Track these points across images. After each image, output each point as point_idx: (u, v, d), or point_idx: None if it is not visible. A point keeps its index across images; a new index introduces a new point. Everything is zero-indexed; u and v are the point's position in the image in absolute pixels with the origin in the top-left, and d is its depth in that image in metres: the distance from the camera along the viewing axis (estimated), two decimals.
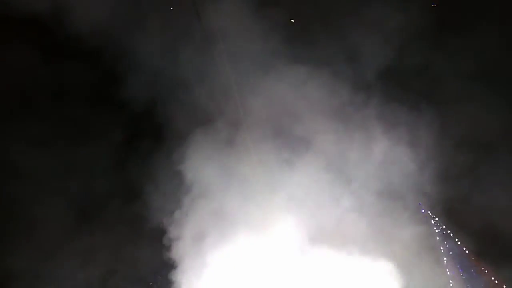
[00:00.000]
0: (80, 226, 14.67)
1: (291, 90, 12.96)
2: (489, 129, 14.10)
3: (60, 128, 13.66)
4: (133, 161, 14.30)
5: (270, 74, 12.93)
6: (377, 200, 12.97)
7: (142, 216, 14.37)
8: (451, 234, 14.47)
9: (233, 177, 12.91)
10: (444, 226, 14.53)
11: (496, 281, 14.02)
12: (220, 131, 13.09)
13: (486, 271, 14.13)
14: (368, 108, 13.40)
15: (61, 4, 12.09)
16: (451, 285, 14.16)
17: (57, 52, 12.93)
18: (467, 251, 14.29)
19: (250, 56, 12.90)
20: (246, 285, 12.81)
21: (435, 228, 14.54)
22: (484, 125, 14.08)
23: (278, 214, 12.53)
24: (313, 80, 12.99)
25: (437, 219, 14.55)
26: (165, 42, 12.92)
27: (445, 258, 14.34)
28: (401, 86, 13.90)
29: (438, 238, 14.51)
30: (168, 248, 13.86)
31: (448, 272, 14.23)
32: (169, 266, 14.01)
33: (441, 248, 14.44)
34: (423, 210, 14.38)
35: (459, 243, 14.36)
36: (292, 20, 13.61)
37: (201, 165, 13.12)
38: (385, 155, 13.22)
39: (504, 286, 13.96)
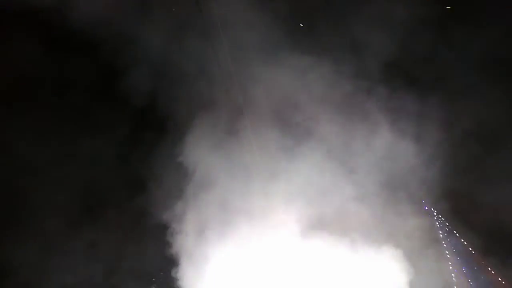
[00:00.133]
0: (83, 220, 14.65)
1: (293, 79, 12.86)
2: (497, 123, 13.97)
3: (62, 121, 13.71)
4: (134, 153, 14.30)
5: (272, 64, 12.88)
6: (379, 190, 12.82)
7: (144, 211, 14.32)
8: (455, 232, 14.39)
9: (236, 166, 12.87)
10: (448, 224, 14.47)
11: (500, 279, 13.91)
12: (222, 121, 13.04)
13: (489, 268, 14.00)
14: (372, 98, 13.31)
15: None
16: (453, 279, 14.04)
17: (60, 44, 12.97)
18: (471, 249, 14.21)
19: (252, 46, 12.86)
20: (249, 277, 12.72)
21: (437, 223, 14.46)
22: (491, 119, 13.94)
23: (280, 203, 12.39)
24: (315, 69, 12.92)
25: (440, 216, 14.48)
26: (167, 33, 12.92)
27: (447, 252, 14.26)
28: (407, 77, 13.75)
29: (440, 233, 14.47)
30: (171, 242, 13.79)
31: (451, 267, 14.13)
32: (172, 260, 13.93)
33: (444, 243, 14.39)
34: (426, 208, 14.29)
35: (462, 240, 14.28)
36: (301, 25, 13.58)
37: (202, 154, 13.09)
38: (388, 146, 13.11)
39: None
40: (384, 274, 12.05)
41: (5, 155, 13.36)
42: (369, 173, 12.83)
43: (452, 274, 14.06)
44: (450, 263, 14.14)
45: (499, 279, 13.81)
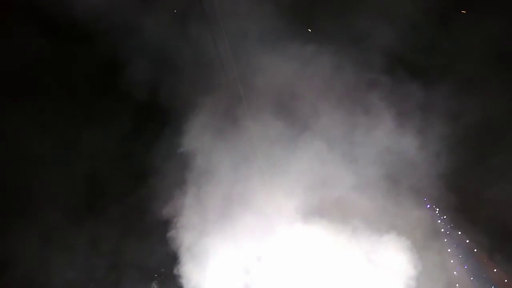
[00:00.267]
0: (84, 215, 14.53)
1: (295, 69, 12.78)
2: (504, 116, 13.68)
3: (60, 113, 13.65)
4: (135, 145, 14.20)
5: (273, 52, 12.85)
6: (381, 181, 12.66)
7: (146, 205, 14.15)
8: (458, 228, 14.19)
9: (236, 156, 12.77)
10: (449, 220, 14.25)
11: (504, 276, 13.69)
12: (222, 110, 12.91)
13: (491, 266, 13.80)
14: (375, 88, 13.15)
15: None
16: (455, 273, 13.88)
17: (60, 34, 12.95)
18: (471, 244, 14.04)
19: (253, 35, 12.80)
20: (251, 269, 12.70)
21: (439, 221, 14.25)
22: (498, 112, 13.68)
23: (281, 192, 12.26)
24: (318, 59, 12.86)
25: (442, 212, 14.25)
26: (166, 22, 12.82)
27: (449, 250, 14.05)
28: (411, 67, 13.59)
29: (442, 229, 14.26)
30: (173, 237, 13.59)
31: (452, 260, 13.97)
32: (174, 256, 13.73)
33: (445, 239, 14.17)
34: (428, 206, 14.16)
35: (464, 236, 14.09)
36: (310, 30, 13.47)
37: (203, 145, 13.03)
38: (391, 137, 12.96)
39: None
40: (388, 263, 11.92)
41: (6, 147, 13.31)
42: (371, 163, 12.71)
43: (454, 272, 13.91)
44: (452, 261, 13.98)
45: (503, 277, 13.60)
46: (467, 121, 13.48)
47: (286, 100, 12.95)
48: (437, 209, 14.32)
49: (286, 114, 12.86)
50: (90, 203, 14.63)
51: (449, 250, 14.03)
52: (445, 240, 14.15)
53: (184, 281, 13.49)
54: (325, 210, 12.17)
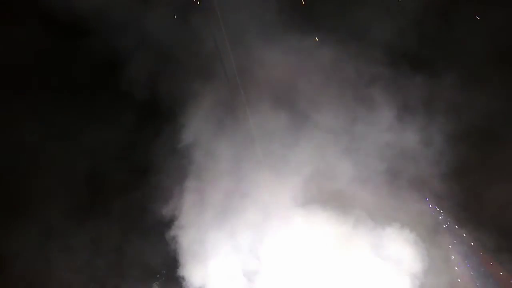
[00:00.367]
0: (85, 214, 14.41)
1: (295, 60, 12.78)
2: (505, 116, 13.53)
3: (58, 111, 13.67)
4: (135, 140, 14.11)
5: (274, 43, 12.77)
6: (382, 174, 12.60)
7: (146, 203, 14.00)
8: (459, 227, 13.97)
9: (236, 149, 12.71)
10: (451, 218, 14.01)
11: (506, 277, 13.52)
12: (221, 101, 12.90)
13: (491, 264, 13.64)
14: (376, 81, 13.00)
15: None
16: (456, 268, 13.68)
17: (57, 29, 13.04)
18: (476, 246, 13.79)
19: (251, 25, 12.76)
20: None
21: (440, 216, 14.01)
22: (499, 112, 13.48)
23: (280, 182, 12.17)
24: (319, 49, 12.76)
25: (443, 211, 14.04)
26: (163, 14, 12.87)
27: (449, 247, 13.85)
28: (415, 60, 13.44)
29: (444, 226, 14.04)
30: (174, 236, 13.55)
31: (453, 257, 13.78)
32: (174, 256, 13.69)
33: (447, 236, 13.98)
34: (430, 206, 13.94)
35: (464, 235, 13.86)
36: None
37: (201, 139, 13.00)
38: (393, 130, 12.88)
39: None
40: (391, 255, 11.82)
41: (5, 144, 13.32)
42: (372, 156, 12.63)
43: (456, 268, 13.72)
44: (453, 257, 13.81)
45: (506, 277, 13.43)
46: (471, 116, 13.33)
47: (287, 92, 12.88)
48: (437, 207, 14.10)
49: (287, 106, 12.77)
50: (91, 202, 14.51)
51: (450, 246, 13.85)
52: (446, 236, 13.97)
53: (185, 281, 13.40)
54: (326, 202, 12.02)
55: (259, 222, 12.40)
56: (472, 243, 13.68)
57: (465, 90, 13.21)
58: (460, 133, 13.19)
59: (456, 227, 13.88)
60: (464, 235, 13.77)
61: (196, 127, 13.06)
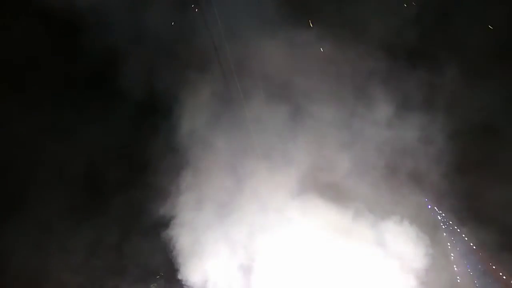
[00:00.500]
0: (85, 213, 14.37)
1: (294, 51, 12.68)
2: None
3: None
4: (132, 137, 13.99)
5: (273, 34, 12.63)
6: (380, 168, 12.59)
7: (145, 204, 13.85)
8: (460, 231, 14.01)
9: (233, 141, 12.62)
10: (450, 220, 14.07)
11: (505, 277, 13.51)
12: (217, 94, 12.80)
13: (491, 263, 13.66)
14: (374, 73, 13.01)
15: None
16: (454, 265, 13.71)
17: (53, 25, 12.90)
18: (471, 243, 13.84)
19: (247, 17, 12.68)
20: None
21: (439, 217, 14.06)
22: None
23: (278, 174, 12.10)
24: (318, 41, 12.65)
25: (442, 212, 14.09)
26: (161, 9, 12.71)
27: (448, 244, 13.92)
28: (417, 54, 13.37)
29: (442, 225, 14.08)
30: (172, 237, 13.38)
31: (452, 254, 13.81)
32: (174, 257, 13.50)
33: (445, 233, 14.06)
34: (429, 206, 13.95)
35: (463, 235, 13.90)
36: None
37: (198, 134, 12.87)
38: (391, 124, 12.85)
39: None
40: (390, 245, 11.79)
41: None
42: (370, 150, 12.60)
43: (455, 267, 13.76)
44: (452, 253, 13.89)
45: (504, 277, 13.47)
46: (472, 113, 13.33)
47: (285, 86, 12.79)
48: (437, 206, 14.12)
49: (285, 100, 12.69)
50: (89, 202, 14.39)
51: (448, 244, 13.91)
52: (445, 234, 14.05)
53: (183, 281, 13.28)
54: (325, 195, 11.96)
55: (257, 216, 12.33)
56: (471, 243, 13.69)
57: (466, 86, 13.14)
58: (460, 129, 13.22)
59: (455, 227, 13.90)
60: (463, 235, 13.79)
61: (193, 121, 12.95)
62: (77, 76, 13.54)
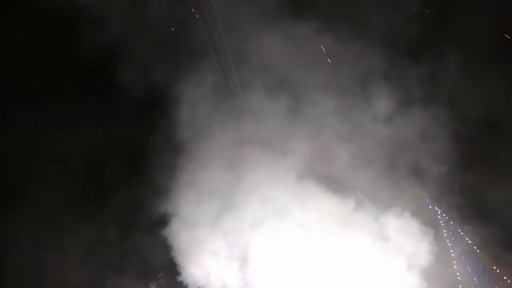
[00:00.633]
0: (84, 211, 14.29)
1: (294, 44, 12.62)
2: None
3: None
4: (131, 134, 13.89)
5: (273, 25, 12.59)
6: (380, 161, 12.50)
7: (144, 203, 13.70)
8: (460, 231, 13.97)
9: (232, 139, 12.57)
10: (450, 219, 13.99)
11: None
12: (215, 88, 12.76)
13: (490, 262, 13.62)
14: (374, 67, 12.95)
15: None
16: (454, 263, 13.72)
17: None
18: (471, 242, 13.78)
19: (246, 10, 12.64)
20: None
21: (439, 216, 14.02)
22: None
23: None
24: (318, 33, 12.60)
25: (443, 212, 14.03)
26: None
27: (448, 242, 13.87)
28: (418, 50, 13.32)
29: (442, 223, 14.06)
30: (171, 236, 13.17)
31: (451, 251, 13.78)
32: (172, 256, 13.35)
33: (445, 231, 14.03)
34: (430, 206, 13.90)
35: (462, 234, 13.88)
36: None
37: (196, 129, 12.78)
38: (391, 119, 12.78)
39: None
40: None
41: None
42: (370, 143, 12.52)
43: (455, 266, 13.71)
44: (451, 250, 13.86)
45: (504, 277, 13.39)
46: (474, 109, 13.23)
47: (284, 79, 12.73)
48: (439, 210, 14.11)
49: (284, 91, 12.64)
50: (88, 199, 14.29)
51: (448, 242, 13.88)
52: (444, 232, 14.01)
53: (182, 281, 13.11)
54: (324, 186, 11.85)
55: (257, 209, 12.22)
56: (472, 241, 13.62)
57: (469, 80, 13.14)
58: (463, 125, 13.15)
59: (456, 226, 13.83)
60: (462, 233, 13.74)
61: (193, 115, 12.85)
62: (75, 71, 13.50)
